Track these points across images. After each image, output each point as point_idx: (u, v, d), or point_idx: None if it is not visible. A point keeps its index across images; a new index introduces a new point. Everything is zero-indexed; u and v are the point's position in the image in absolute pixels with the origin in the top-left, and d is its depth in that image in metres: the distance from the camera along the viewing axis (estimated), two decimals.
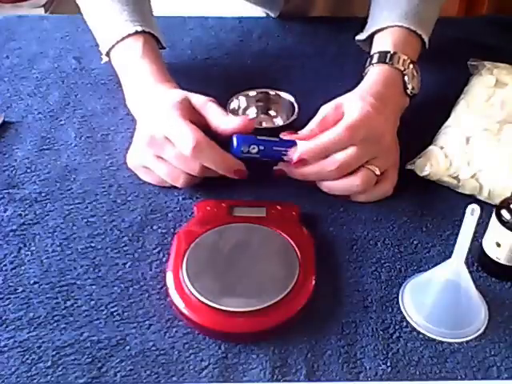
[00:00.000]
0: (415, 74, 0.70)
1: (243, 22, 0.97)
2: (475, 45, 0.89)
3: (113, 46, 0.73)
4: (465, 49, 0.86)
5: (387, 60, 0.69)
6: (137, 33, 0.72)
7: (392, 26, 0.72)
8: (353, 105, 0.64)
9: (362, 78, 0.71)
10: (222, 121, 0.64)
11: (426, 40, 0.73)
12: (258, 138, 0.63)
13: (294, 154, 0.62)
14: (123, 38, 0.72)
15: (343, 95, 0.66)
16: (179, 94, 0.66)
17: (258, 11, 1.01)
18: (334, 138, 0.61)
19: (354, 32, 0.81)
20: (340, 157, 0.61)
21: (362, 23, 0.80)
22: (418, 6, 0.73)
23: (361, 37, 0.78)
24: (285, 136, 0.64)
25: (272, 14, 0.99)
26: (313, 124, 0.64)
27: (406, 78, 0.69)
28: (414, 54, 0.72)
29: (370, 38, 0.76)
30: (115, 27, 0.73)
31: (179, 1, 1.10)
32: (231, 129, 0.63)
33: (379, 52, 0.71)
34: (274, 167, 0.64)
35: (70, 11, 0.96)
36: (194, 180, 0.65)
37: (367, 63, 0.72)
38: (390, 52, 0.70)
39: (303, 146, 0.62)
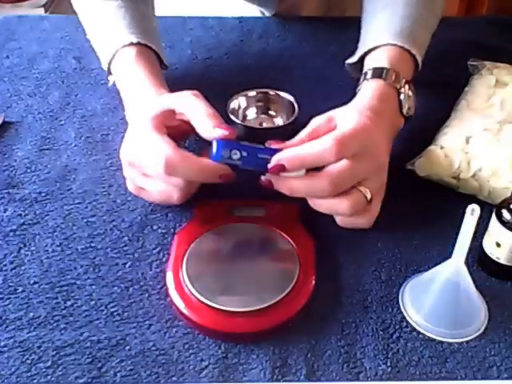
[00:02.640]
0: (411, 94, 0.68)
1: (243, 22, 0.97)
2: (475, 45, 0.89)
3: (111, 60, 0.72)
4: (465, 49, 0.86)
5: (383, 75, 0.66)
6: (131, 44, 0.71)
7: (385, 45, 0.70)
8: (347, 117, 0.59)
9: (354, 94, 0.68)
10: (204, 128, 0.59)
11: (420, 61, 0.71)
12: (242, 143, 0.58)
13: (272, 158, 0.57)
14: (120, 48, 0.71)
15: (337, 108, 0.62)
16: (158, 105, 0.62)
17: (254, 9, 1.01)
18: (320, 149, 0.56)
19: (354, 32, 0.81)
20: (332, 171, 0.56)
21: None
22: (410, 27, 0.71)
23: (352, 59, 0.75)
24: (271, 144, 0.59)
25: (267, 13, 0.99)
26: (303, 134, 0.59)
27: (401, 96, 0.66)
28: (408, 73, 0.69)
29: (361, 61, 0.73)
30: (113, 39, 0.72)
31: (179, 1, 1.10)
32: (212, 137, 0.58)
33: (374, 68, 0.67)
34: (262, 177, 0.58)
35: (70, 11, 0.96)
36: (190, 193, 0.62)
37: (361, 79, 0.68)
38: (385, 68, 0.67)
39: (285, 152, 0.57)
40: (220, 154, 0.56)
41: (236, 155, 0.56)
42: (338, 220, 0.62)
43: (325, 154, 0.55)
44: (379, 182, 0.61)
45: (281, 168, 0.56)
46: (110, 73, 0.74)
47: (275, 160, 0.56)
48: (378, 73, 0.67)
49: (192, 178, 0.60)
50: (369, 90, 0.65)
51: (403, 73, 0.68)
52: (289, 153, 0.56)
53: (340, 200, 0.58)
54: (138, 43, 0.71)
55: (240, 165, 0.57)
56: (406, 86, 0.67)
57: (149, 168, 0.59)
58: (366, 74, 0.68)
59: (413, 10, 0.73)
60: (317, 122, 0.60)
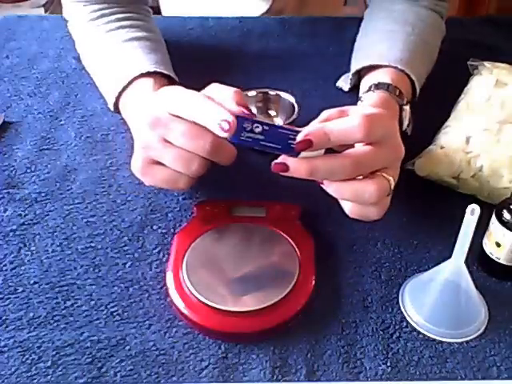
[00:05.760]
0: (409, 114, 0.68)
1: (243, 22, 0.97)
2: (475, 45, 0.89)
3: (122, 91, 0.69)
4: (465, 49, 0.86)
5: (389, 89, 0.66)
6: (148, 73, 0.68)
7: (387, 66, 0.70)
8: (363, 108, 0.58)
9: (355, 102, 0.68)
10: (226, 101, 0.55)
11: (418, 89, 0.71)
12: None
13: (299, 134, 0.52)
14: (134, 79, 0.68)
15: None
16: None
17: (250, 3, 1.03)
18: (349, 125, 0.52)
19: (354, 32, 0.81)
20: (355, 152, 0.54)
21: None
22: (409, 58, 0.71)
23: (352, 71, 0.75)
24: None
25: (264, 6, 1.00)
26: (314, 123, 0.56)
27: (403, 112, 0.66)
28: (408, 95, 0.69)
29: (357, 81, 0.74)
30: (127, 70, 0.69)
31: (179, 1, 1.10)
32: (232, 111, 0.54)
33: (379, 82, 0.67)
34: (275, 161, 0.53)
35: None
36: (207, 165, 0.57)
37: (364, 92, 0.68)
38: (390, 84, 0.67)
39: (312, 127, 0.53)
40: (242, 125, 0.52)
41: (258, 128, 0.52)
42: (348, 209, 0.57)
43: (353, 130, 0.52)
44: (396, 174, 0.58)
45: (308, 143, 0.52)
46: (116, 107, 0.71)
47: (303, 135, 0.52)
48: (383, 86, 0.66)
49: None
50: (375, 100, 0.65)
51: (405, 93, 0.68)
52: (316, 128, 0.53)
53: (366, 184, 0.54)
54: (155, 72, 0.69)
55: (261, 140, 0.52)
56: (408, 106, 0.67)
57: (176, 126, 0.54)
58: (370, 87, 0.67)
59: (410, 45, 0.74)
60: (328, 113, 0.57)
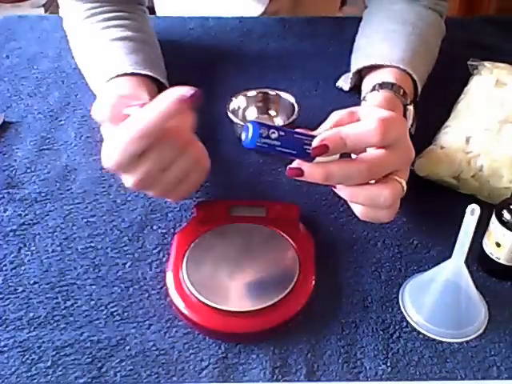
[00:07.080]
0: (413, 113, 0.68)
1: (243, 22, 0.97)
2: (475, 45, 0.89)
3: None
4: (465, 49, 0.86)
5: (393, 89, 0.66)
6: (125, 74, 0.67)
7: (389, 66, 0.70)
8: (373, 109, 0.56)
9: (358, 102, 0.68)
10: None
11: (419, 88, 0.71)
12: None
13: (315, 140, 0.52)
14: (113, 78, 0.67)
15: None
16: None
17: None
18: (365, 129, 0.52)
19: (354, 32, 0.81)
20: (370, 156, 0.53)
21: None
22: (411, 58, 0.71)
23: (352, 70, 0.75)
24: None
25: (259, 8, 1.00)
26: (325, 125, 0.55)
27: (407, 112, 0.67)
28: (410, 95, 0.69)
29: (358, 81, 0.74)
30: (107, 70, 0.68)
31: (179, 1, 1.10)
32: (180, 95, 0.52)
33: (383, 82, 0.67)
34: (289, 166, 0.53)
35: None
36: (202, 176, 0.58)
37: (367, 91, 0.68)
38: (394, 83, 0.66)
39: (327, 132, 0.52)
40: (258, 131, 0.51)
41: (274, 134, 0.51)
42: (359, 212, 0.57)
43: (369, 134, 0.52)
44: (406, 176, 0.57)
45: (324, 149, 0.51)
46: None
47: (319, 140, 0.52)
48: (388, 86, 0.66)
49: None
50: (380, 100, 0.64)
51: (408, 93, 0.68)
52: (332, 133, 0.52)
53: (381, 188, 0.53)
54: (132, 73, 0.67)
55: (278, 145, 0.52)
56: (412, 105, 0.67)
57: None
58: (374, 86, 0.67)
59: (411, 45, 0.73)
60: (338, 114, 0.56)
